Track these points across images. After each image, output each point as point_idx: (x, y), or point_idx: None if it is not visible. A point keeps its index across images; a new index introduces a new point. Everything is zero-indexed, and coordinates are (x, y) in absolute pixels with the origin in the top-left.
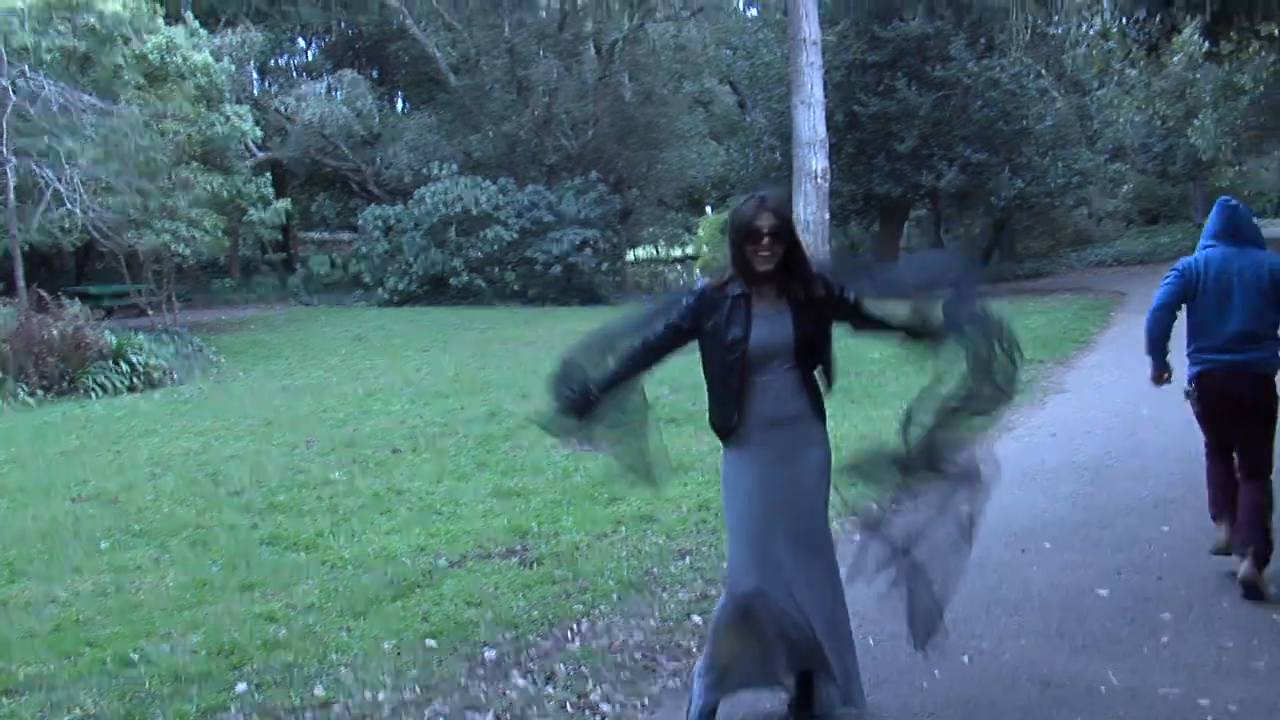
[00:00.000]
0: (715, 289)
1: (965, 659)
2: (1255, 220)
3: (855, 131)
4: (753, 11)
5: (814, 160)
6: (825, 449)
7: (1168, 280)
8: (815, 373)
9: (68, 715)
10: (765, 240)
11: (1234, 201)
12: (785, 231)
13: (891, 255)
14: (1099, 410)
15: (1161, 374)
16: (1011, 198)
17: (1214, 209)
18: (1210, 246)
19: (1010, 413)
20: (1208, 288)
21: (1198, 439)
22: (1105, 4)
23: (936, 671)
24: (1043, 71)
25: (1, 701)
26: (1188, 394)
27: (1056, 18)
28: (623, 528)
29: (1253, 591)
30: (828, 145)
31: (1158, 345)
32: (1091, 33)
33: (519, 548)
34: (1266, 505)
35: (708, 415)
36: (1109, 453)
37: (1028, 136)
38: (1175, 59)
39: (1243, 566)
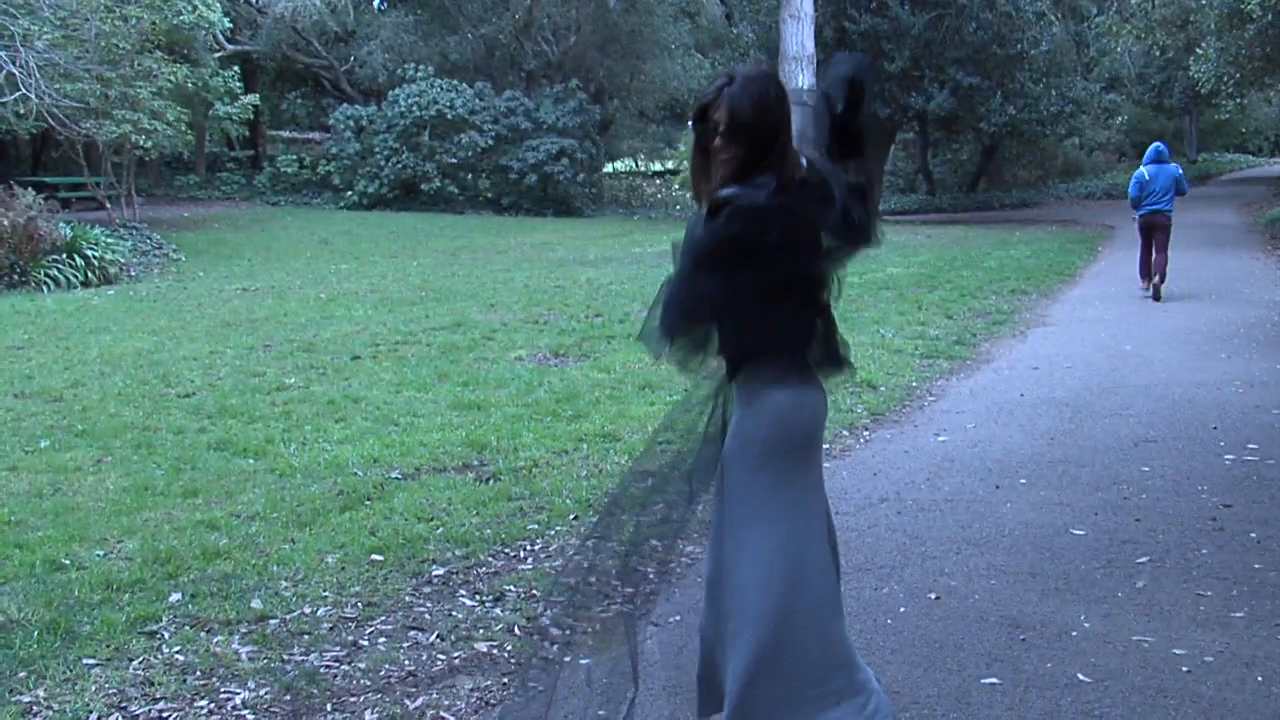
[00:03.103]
0: None
1: (933, 596)
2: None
3: (844, 49)
4: None
5: (800, 77)
6: None
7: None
8: None
9: None
10: None
11: (1160, 145)
12: None
13: (876, 178)
14: (1082, 345)
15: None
16: (1002, 124)
17: (1151, 150)
18: (1149, 165)
19: (990, 345)
20: (1149, 182)
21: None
22: None
23: (902, 609)
24: None
25: None
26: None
27: None
28: (584, 446)
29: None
30: (815, 62)
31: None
32: None
33: (475, 462)
34: (1164, 263)
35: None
36: (1090, 389)
37: (1022, 62)
38: None
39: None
